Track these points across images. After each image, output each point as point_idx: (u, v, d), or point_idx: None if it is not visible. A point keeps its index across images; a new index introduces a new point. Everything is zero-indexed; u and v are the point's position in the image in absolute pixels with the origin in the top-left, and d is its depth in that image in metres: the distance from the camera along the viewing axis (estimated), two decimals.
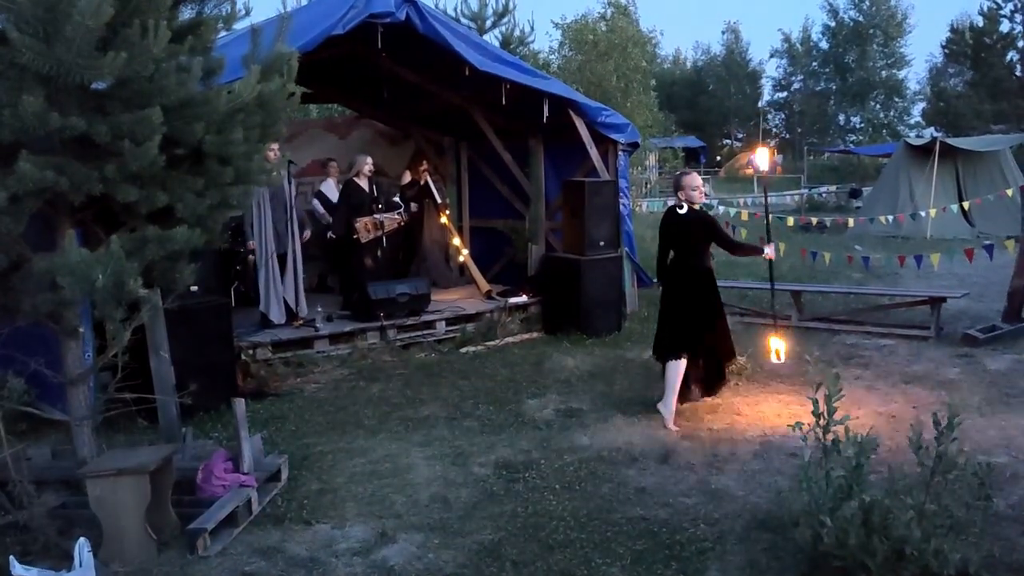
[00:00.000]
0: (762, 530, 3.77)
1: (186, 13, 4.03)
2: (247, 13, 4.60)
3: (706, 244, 5.50)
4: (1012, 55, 34.65)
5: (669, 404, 5.36)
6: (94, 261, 3.19)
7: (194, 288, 5.56)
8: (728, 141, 52.15)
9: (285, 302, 7.37)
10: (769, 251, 5.62)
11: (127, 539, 3.61)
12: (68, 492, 4.09)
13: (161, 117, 3.37)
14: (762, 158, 6.12)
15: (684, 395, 5.56)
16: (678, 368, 5.40)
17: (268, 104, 4.01)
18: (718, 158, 46.58)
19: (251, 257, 7.37)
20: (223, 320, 6.07)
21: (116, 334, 3.65)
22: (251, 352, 6.70)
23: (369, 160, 8.34)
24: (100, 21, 2.99)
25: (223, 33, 4.36)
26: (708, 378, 5.68)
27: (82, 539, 2.95)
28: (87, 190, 3.43)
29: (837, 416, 3.30)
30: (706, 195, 6.43)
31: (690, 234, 5.44)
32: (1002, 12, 34.19)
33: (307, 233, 7.97)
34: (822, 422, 3.29)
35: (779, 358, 5.84)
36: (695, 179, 5.58)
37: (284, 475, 4.53)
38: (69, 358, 3.94)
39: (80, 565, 2.91)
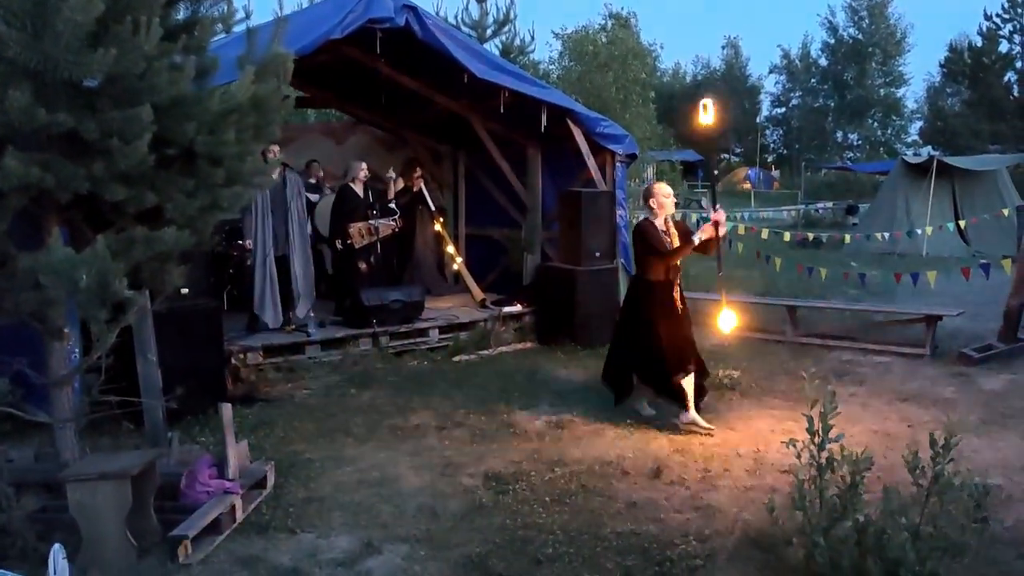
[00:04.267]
0: (754, 548, 3.71)
1: (182, 12, 3.99)
2: (247, 16, 4.55)
3: (643, 255, 5.54)
4: (1010, 75, 34.89)
5: (692, 413, 5.42)
6: (78, 261, 3.13)
7: (184, 290, 5.50)
8: (726, 156, 52.27)
9: (282, 305, 7.31)
10: (716, 217, 5.34)
11: (107, 545, 3.53)
12: (49, 496, 4.01)
13: (151, 116, 3.32)
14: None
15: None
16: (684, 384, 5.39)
17: (262, 106, 3.95)
18: (716, 172, 46.67)
19: (247, 255, 7.30)
20: (214, 323, 6.00)
21: (101, 335, 3.58)
22: (242, 356, 6.63)
23: (364, 166, 8.30)
24: (89, 16, 2.94)
25: (221, 35, 4.32)
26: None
27: (57, 545, 2.88)
28: (74, 188, 3.38)
29: (832, 434, 3.25)
30: (703, 207, 6.33)
31: (633, 246, 5.68)
32: (1001, 32, 34.45)
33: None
34: (817, 439, 3.24)
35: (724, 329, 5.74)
36: (667, 187, 5.65)
37: (270, 482, 4.46)
38: (53, 359, 3.87)
39: (55, 572, 2.83)
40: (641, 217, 5.71)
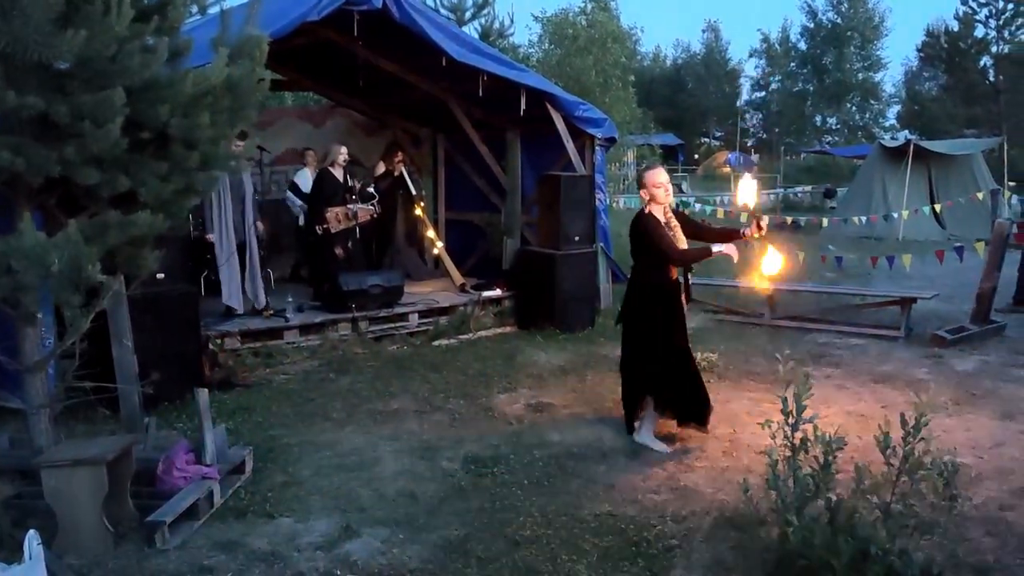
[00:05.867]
0: (729, 528, 3.76)
1: None
2: None
3: (645, 253, 4.77)
4: (986, 60, 35.19)
5: (646, 434, 4.91)
6: (51, 245, 3.09)
7: (160, 275, 5.46)
8: (706, 139, 52.33)
9: (243, 292, 7.27)
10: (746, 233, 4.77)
11: (83, 531, 3.52)
12: (24, 482, 3.98)
13: (124, 98, 3.27)
14: (747, 191, 5.05)
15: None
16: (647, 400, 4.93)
17: (237, 88, 3.91)
18: (696, 156, 46.76)
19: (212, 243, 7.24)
20: (190, 308, 5.96)
21: (74, 320, 3.55)
22: (219, 342, 6.59)
23: (344, 150, 8.25)
24: None
25: (196, 16, 4.26)
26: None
27: (32, 531, 2.86)
28: (46, 172, 3.33)
29: (807, 415, 3.29)
30: (683, 191, 5.85)
31: (631, 240, 4.83)
32: (977, 17, 34.71)
33: (260, 225, 7.70)
34: (790, 420, 3.28)
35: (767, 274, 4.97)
36: (660, 174, 4.80)
37: (248, 467, 4.45)
38: (26, 344, 3.83)
39: (30, 558, 2.82)
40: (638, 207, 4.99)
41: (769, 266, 4.87)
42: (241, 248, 7.22)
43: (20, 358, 3.81)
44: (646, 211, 4.77)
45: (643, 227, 4.71)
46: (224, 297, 7.13)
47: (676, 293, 4.80)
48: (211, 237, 7.10)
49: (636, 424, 5.01)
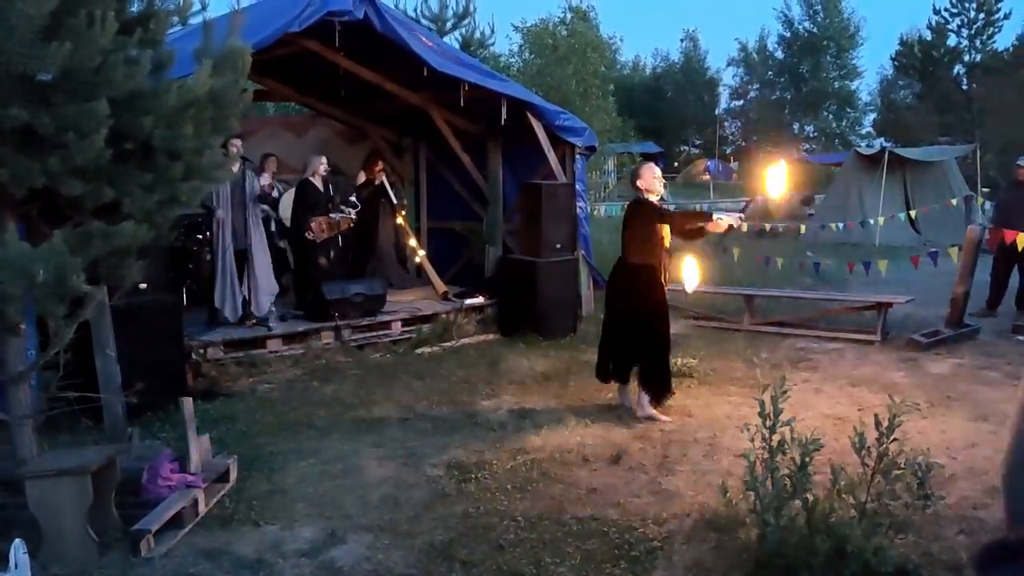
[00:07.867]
0: (709, 530, 3.82)
1: (137, 5, 3.97)
2: (204, 8, 4.52)
3: (636, 235, 5.39)
4: (959, 68, 35.76)
5: (646, 406, 5.50)
6: (35, 256, 3.11)
7: (143, 285, 5.46)
8: (685, 147, 52.71)
9: (243, 299, 7.27)
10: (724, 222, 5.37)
11: (67, 541, 3.53)
12: (7, 493, 3.97)
13: (107, 110, 3.30)
14: (776, 180, 5.50)
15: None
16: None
17: (220, 100, 3.94)
18: (675, 164, 47.07)
19: (205, 249, 7.25)
20: (173, 318, 5.97)
21: (58, 331, 3.56)
22: (202, 351, 6.59)
23: (324, 160, 8.28)
24: (43, 10, 2.92)
25: (177, 27, 4.30)
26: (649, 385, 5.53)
27: (17, 540, 2.87)
28: (29, 183, 3.35)
29: (785, 418, 3.36)
30: (664, 199, 6.15)
31: (627, 223, 5.49)
32: (949, 27, 35.29)
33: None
34: (768, 423, 3.35)
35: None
36: (657, 168, 5.51)
37: (233, 476, 4.46)
38: (9, 355, 3.83)
39: (15, 567, 2.83)
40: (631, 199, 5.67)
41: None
42: (242, 254, 7.23)
43: (3, 369, 3.82)
44: (641, 197, 5.42)
45: (645, 208, 5.37)
46: (217, 302, 7.13)
47: (661, 275, 5.40)
48: (220, 213, 7.08)
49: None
